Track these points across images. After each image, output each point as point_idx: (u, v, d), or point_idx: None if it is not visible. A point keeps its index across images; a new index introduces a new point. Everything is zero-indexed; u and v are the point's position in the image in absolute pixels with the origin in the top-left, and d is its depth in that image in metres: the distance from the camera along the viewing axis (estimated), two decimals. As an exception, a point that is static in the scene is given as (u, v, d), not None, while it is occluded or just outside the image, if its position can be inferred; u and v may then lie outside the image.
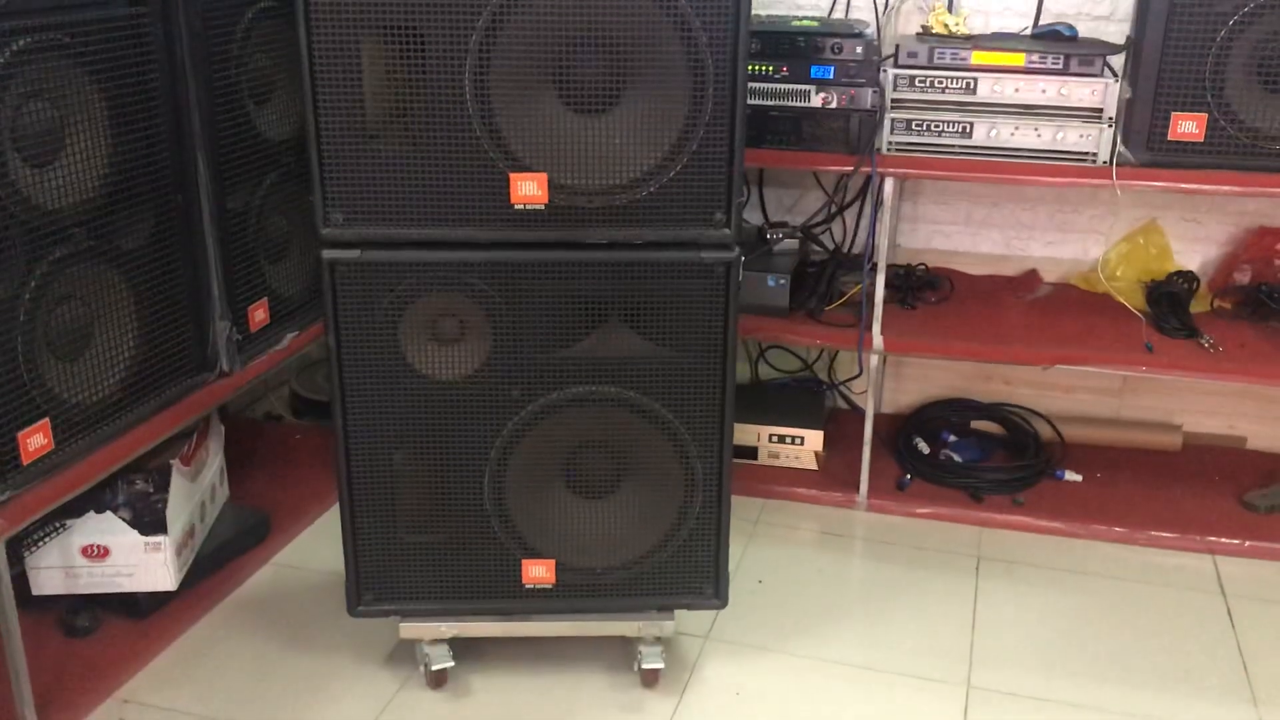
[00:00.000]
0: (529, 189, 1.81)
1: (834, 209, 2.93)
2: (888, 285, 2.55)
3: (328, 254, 1.81)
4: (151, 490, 2.17)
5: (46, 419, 1.84)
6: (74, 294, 1.89)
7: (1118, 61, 2.39)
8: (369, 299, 1.85)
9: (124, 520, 2.11)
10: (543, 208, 1.82)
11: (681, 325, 1.90)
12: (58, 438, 1.86)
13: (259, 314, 2.34)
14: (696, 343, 1.91)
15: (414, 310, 1.86)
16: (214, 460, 2.43)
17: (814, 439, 2.77)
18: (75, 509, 2.06)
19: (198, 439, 2.32)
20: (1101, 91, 2.31)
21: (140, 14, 1.95)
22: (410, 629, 2.04)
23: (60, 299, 1.86)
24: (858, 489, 2.66)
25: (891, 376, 3.05)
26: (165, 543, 2.11)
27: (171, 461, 2.19)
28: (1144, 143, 2.28)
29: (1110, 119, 2.31)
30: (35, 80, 1.76)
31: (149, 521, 2.12)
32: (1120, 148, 2.32)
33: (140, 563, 2.11)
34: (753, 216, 2.97)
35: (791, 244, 2.81)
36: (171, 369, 2.12)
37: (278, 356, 2.38)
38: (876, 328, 2.53)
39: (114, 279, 1.97)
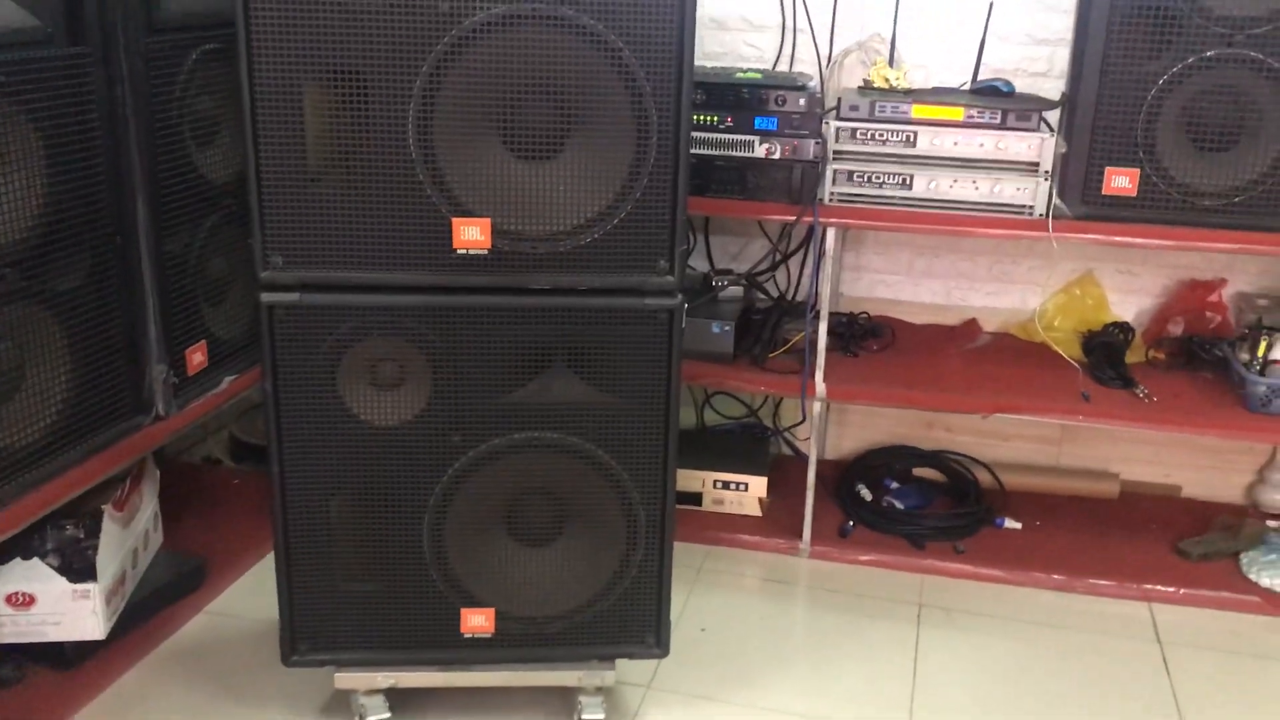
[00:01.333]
0: (472, 234, 1.80)
1: (778, 257, 2.96)
2: (831, 333, 2.57)
3: (266, 297, 1.79)
4: (82, 536, 2.12)
5: (-28, 463, 1.80)
6: (5, 335, 1.85)
7: (1054, 117, 2.44)
8: (308, 343, 1.83)
9: (52, 567, 2.06)
10: (485, 253, 1.81)
11: (625, 371, 1.90)
12: (-16, 482, 1.82)
13: (197, 357, 2.30)
14: (640, 389, 1.91)
15: (353, 355, 1.84)
16: (148, 506, 2.38)
17: (758, 485, 2.77)
18: (1, 555, 2.00)
19: (131, 484, 2.27)
20: (1038, 146, 2.36)
21: (81, 54, 1.93)
22: (346, 679, 2.01)
23: (-10, 340, 1.83)
24: (801, 536, 2.66)
25: (835, 423, 3.07)
26: (94, 590, 2.06)
27: (104, 507, 2.14)
28: (1079, 196, 2.33)
29: (1046, 173, 2.36)
30: (-31, 119, 1.74)
31: (78, 568, 2.07)
32: (1056, 201, 2.36)
33: (68, 611, 2.05)
34: (698, 263, 3.00)
35: (736, 291, 2.83)
36: (106, 412, 2.08)
37: (215, 400, 2.35)
38: (819, 375, 2.55)
39: (47, 320, 1.94)
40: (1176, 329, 2.75)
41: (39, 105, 1.86)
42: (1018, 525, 2.74)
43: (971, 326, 2.91)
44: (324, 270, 1.80)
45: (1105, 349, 2.67)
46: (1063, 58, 2.66)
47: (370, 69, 1.72)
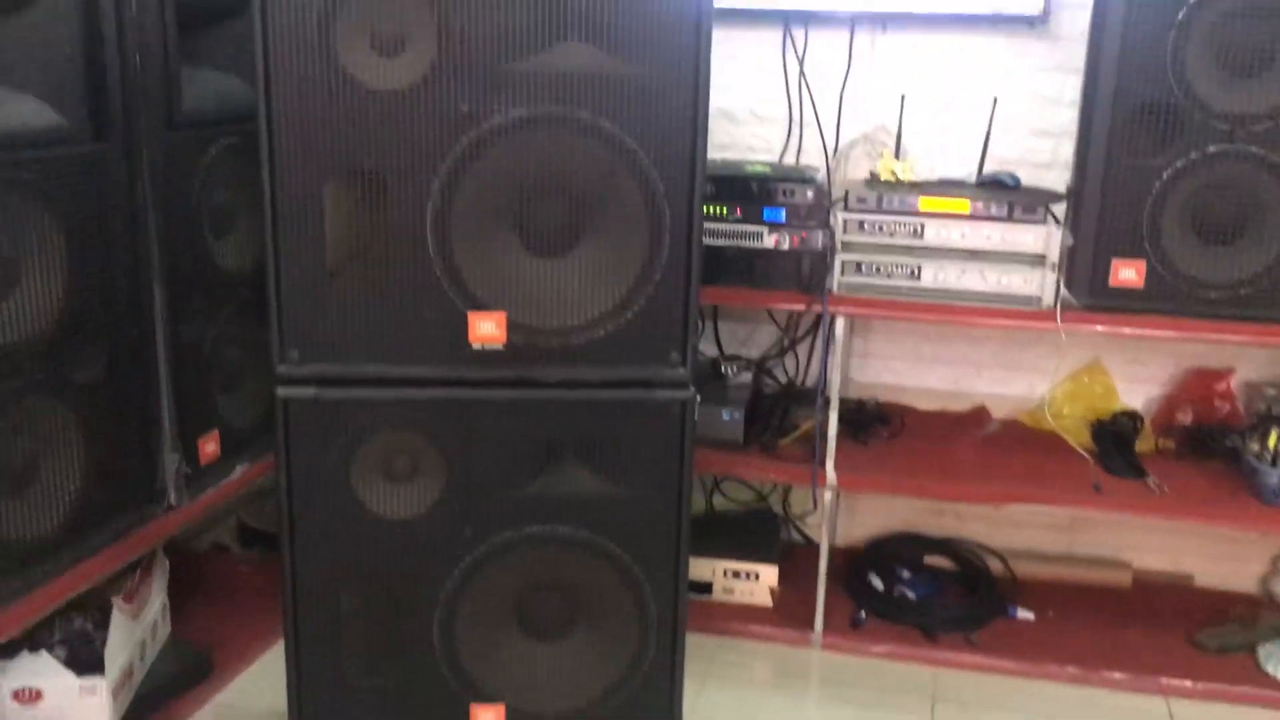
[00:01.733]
0: (487, 328, 1.83)
1: (787, 343, 2.98)
2: (840, 420, 2.58)
3: (282, 391, 1.81)
4: (91, 628, 2.11)
5: (-15, 557, 1.79)
6: (22, 428, 1.86)
7: (1060, 209, 2.47)
8: (322, 437, 1.84)
9: (59, 660, 2.04)
10: (500, 347, 1.83)
11: (637, 464, 1.91)
12: (-5, 577, 1.81)
13: (209, 446, 2.31)
14: (652, 482, 1.92)
15: (367, 448, 1.85)
16: (157, 597, 2.36)
17: (769, 574, 2.75)
18: (9, 649, 1.99)
19: (141, 575, 2.26)
20: (1044, 238, 2.39)
21: (104, 150, 1.97)
22: (354, 776, 1.98)
23: (7, 433, 1.83)
24: (812, 626, 2.64)
25: (845, 509, 3.06)
26: (101, 685, 2.04)
27: (113, 599, 2.13)
28: (1086, 288, 2.35)
29: (1053, 264, 2.39)
30: (-6, 216, 1.76)
31: (86, 662, 2.05)
32: (1064, 292, 2.39)
33: (74, 706, 2.03)
34: (707, 348, 3.01)
35: (745, 376, 2.84)
36: (118, 503, 2.08)
37: (228, 490, 2.35)
38: (830, 464, 2.55)
39: (64, 413, 1.94)
40: (1185, 418, 2.75)
41: (62, 201, 1.88)
42: (1030, 615, 2.72)
43: (980, 414, 2.91)
44: (340, 365, 1.82)
45: (1115, 438, 2.67)
46: (1066, 150, 2.70)
47: (390, 167, 1.75)
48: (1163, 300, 2.32)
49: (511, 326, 1.82)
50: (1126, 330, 2.36)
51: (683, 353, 1.88)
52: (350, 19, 1.69)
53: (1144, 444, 2.71)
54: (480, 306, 1.81)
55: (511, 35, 1.70)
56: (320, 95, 1.72)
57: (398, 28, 1.69)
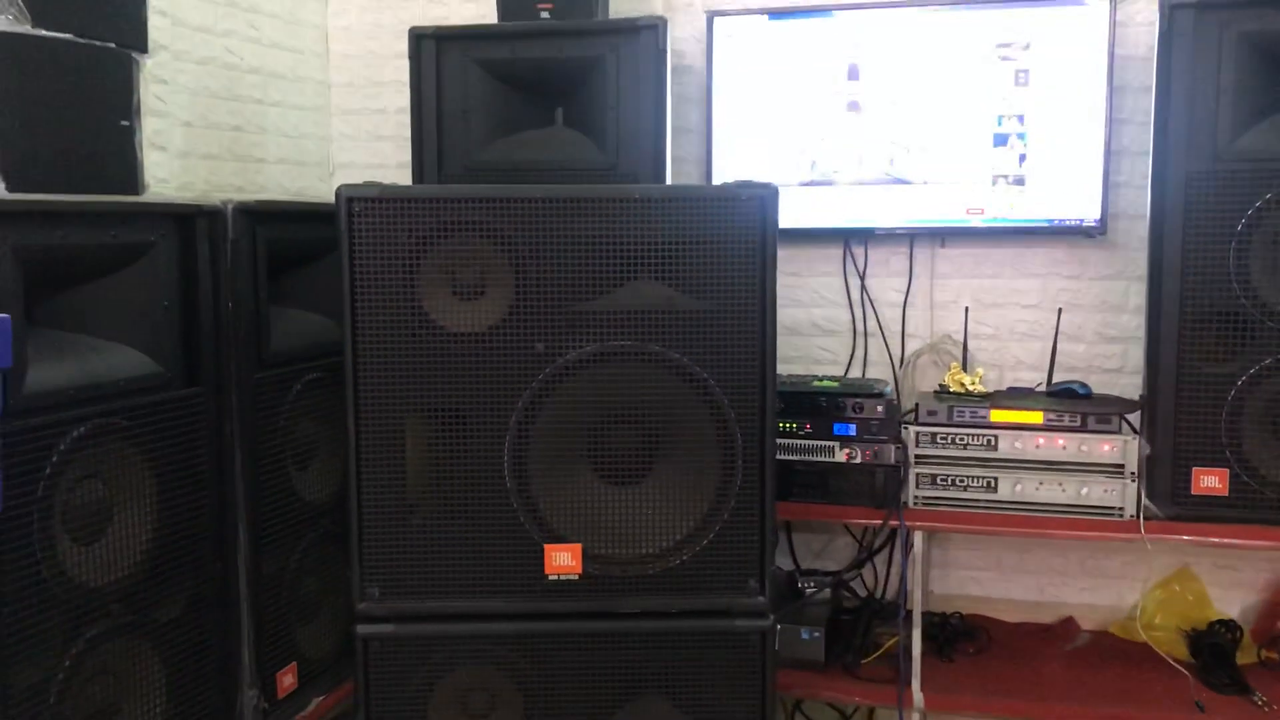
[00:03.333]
0: (563, 560, 1.83)
1: (864, 555, 2.93)
2: (924, 636, 2.51)
3: (362, 629, 1.82)
4: None
5: (64, 807, 1.78)
6: (107, 669, 1.88)
7: (1135, 417, 2.45)
8: (400, 673, 1.83)
9: None
10: (576, 577, 1.83)
11: (716, 694, 1.87)
12: (73, 827, 1.79)
13: (287, 679, 2.30)
14: (732, 713, 1.87)
15: (444, 684, 1.84)
16: (229, 836, 2.32)
17: (857, 804, 2.64)
18: None
19: (215, 816, 2.22)
20: (1121, 448, 2.36)
21: (196, 394, 2.05)
22: None
23: (91, 676, 1.84)
24: None
25: (933, 729, 2.94)
26: None
27: (186, 842, 2.09)
28: (1169, 497, 2.30)
29: (1133, 474, 2.35)
30: (90, 463, 1.82)
31: None
32: (1146, 501, 2.34)
33: None
34: (783, 561, 2.97)
35: (824, 592, 2.78)
36: (195, 742, 2.07)
37: (303, 723, 2.33)
38: (916, 684, 2.47)
39: (146, 652, 1.96)
40: (1287, 626, 2.64)
41: (155, 444, 1.95)
42: (1139, 844, 2.55)
43: (1068, 625, 2.82)
44: (418, 600, 1.83)
45: (1213, 650, 2.56)
46: (1135, 354, 2.70)
47: (469, 404, 1.81)
48: (1250, 508, 2.26)
49: (587, 557, 1.83)
50: (1215, 540, 2.30)
51: (760, 580, 1.86)
52: (433, 267, 1.78)
53: (1245, 655, 2.59)
54: (556, 538, 1.83)
55: (584, 277, 1.77)
56: (403, 338, 1.79)
57: (477, 275, 1.77)
